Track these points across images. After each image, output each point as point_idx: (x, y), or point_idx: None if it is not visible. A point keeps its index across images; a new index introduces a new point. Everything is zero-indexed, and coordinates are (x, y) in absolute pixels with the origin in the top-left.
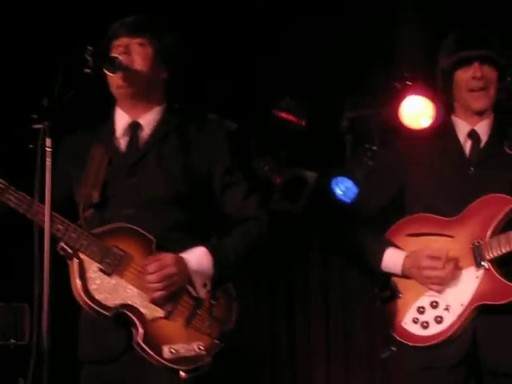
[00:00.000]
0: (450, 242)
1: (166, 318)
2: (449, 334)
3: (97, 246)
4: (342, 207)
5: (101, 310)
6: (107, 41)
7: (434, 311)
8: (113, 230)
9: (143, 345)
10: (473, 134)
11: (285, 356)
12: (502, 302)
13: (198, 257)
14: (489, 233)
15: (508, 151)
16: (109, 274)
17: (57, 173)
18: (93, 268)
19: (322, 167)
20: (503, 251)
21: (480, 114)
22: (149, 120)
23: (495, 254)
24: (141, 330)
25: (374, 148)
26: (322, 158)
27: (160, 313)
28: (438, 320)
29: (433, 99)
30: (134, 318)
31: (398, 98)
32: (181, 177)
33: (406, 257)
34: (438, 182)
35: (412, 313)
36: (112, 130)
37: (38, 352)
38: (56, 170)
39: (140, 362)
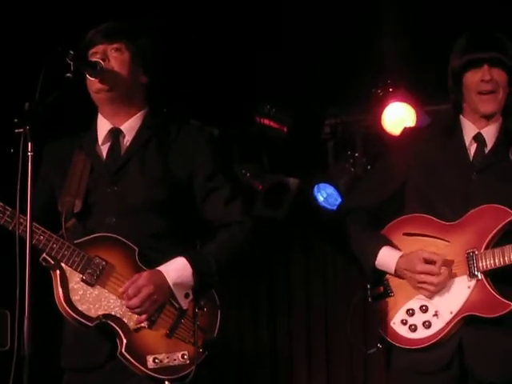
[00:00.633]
0: (446, 247)
1: (150, 327)
2: (435, 339)
3: (79, 256)
4: (326, 212)
5: (83, 321)
6: (84, 48)
7: (423, 315)
8: (95, 239)
9: (127, 355)
10: (478, 138)
11: (267, 361)
12: (491, 316)
13: (177, 269)
14: (485, 244)
15: (511, 158)
16: (91, 285)
17: (39, 182)
18: (75, 279)
19: (303, 174)
20: (497, 264)
21: (488, 117)
22: (130, 126)
23: (489, 266)
24: (124, 340)
25: (357, 155)
26: (304, 164)
27: (143, 322)
28: (426, 325)
29: (415, 106)
30: (117, 328)
31: (380, 104)
32: (163, 184)
33: (401, 257)
34: (439, 182)
35: (401, 314)
36: (94, 137)
37: (19, 358)
38: (38, 179)
39: (123, 371)
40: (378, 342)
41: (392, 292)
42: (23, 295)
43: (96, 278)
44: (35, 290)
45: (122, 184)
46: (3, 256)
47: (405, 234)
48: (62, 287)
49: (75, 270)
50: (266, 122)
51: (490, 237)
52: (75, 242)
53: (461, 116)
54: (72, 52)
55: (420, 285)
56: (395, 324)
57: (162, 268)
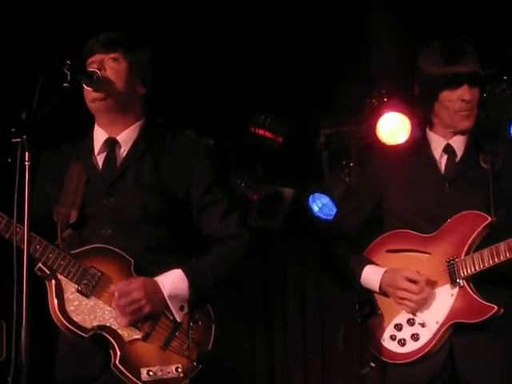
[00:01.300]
0: (427, 259)
1: (144, 339)
2: (425, 351)
3: (74, 266)
4: (321, 225)
5: (78, 332)
6: (82, 58)
7: (410, 328)
8: (90, 250)
9: (121, 367)
10: (448, 149)
11: (263, 373)
12: (476, 321)
13: (173, 280)
14: (464, 250)
15: (484, 166)
16: (87, 296)
17: (35, 192)
18: (70, 289)
19: (299, 184)
20: (477, 269)
21: (463, 133)
22: (126, 137)
23: (469, 272)
24: (118, 352)
25: (351, 164)
26: (299, 174)
27: (138, 334)
28: (415, 337)
29: (410, 115)
30: (111, 339)
31: (375, 114)
32: (159, 196)
33: (385, 273)
34: (414, 198)
35: (390, 330)
36: (90, 148)
37: (16, 368)
38: (34, 189)
39: (118, 383)
40: (370, 360)
41: (379, 310)
42: (20, 305)
43: (91, 288)
44: (31, 300)
45: (118, 196)
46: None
47: (388, 251)
48: (57, 297)
49: (71, 280)
50: (261, 132)
51: (469, 243)
52: (71, 252)
53: (428, 130)
54: (69, 62)
55: (401, 301)
56: (385, 341)
57: (158, 278)
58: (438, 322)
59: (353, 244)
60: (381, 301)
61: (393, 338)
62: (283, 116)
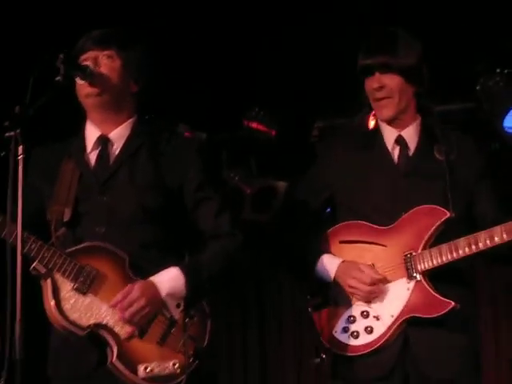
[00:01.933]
0: (383, 251)
1: (140, 336)
2: (378, 344)
3: (70, 264)
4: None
5: (74, 330)
6: (75, 54)
7: (364, 321)
8: (86, 248)
9: (118, 364)
10: (400, 141)
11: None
12: (433, 316)
13: (170, 279)
14: (421, 244)
15: (438, 157)
16: (83, 293)
17: (27, 190)
18: (67, 287)
19: (292, 177)
20: (435, 264)
21: (389, 122)
22: (119, 134)
23: (427, 267)
24: (115, 349)
25: None
26: (293, 167)
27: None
28: (368, 330)
29: None
30: (108, 337)
31: (368, 107)
32: (152, 194)
33: (342, 262)
34: (367, 191)
35: (343, 321)
36: (82, 145)
37: (11, 363)
38: (27, 187)
39: (112, 380)
40: (321, 352)
41: (332, 301)
42: (14, 300)
43: (88, 286)
44: (25, 295)
45: (112, 193)
46: None
47: (341, 242)
48: (53, 296)
49: (67, 278)
50: (254, 125)
51: (426, 237)
52: (66, 251)
53: (379, 120)
54: (62, 56)
55: (351, 289)
56: (337, 332)
57: (154, 279)
58: (392, 316)
59: (302, 233)
60: (333, 292)
61: (345, 329)
62: (276, 109)
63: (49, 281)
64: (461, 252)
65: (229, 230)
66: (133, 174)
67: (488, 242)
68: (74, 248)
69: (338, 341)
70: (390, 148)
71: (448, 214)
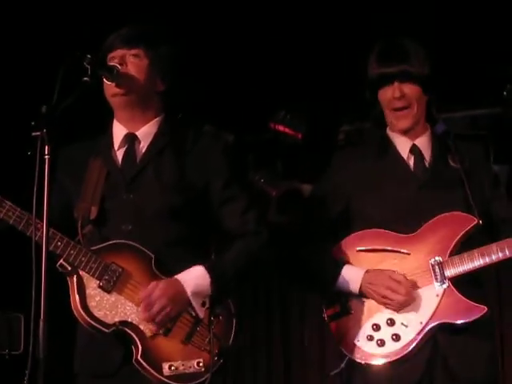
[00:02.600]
0: (406, 259)
1: (165, 334)
2: (406, 351)
3: (96, 262)
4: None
5: (100, 327)
6: (102, 53)
7: (390, 329)
8: (111, 246)
9: (143, 362)
10: (415, 150)
11: (280, 367)
12: (465, 321)
13: (195, 278)
14: (449, 251)
15: (453, 165)
16: (108, 291)
17: (55, 188)
18: (92, 285)
19: (317, 180)
20: (466, 269)
21: (405, 132)
22: (146, 132)
23: (457, 272)
24: (140, 347)
25: None
26: (319, 171)
27: (159, 330)
28: (395, 338)
29: None
30: (133, 335)
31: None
32: (179, 192)
33: (367, 272)
34: (384, 200)
35: (366, 330)
36: (109, 143)
37: (34, 361)
38: (54, 185)
39: (137, 378)
40: (340, 362)
41: (351, 310)
42: (39, 298)
43: (113, 284)
44: (49, 293)
45: (138, 191)
46: (17, 262)
47: (359, 251)
48: (79, 293)
49: (92, 276)
50: (281, 128)
51: (454, 243)
52: (92, 248)
53: (388, 131)
54: (89, 56)
55: (384, 299)
56: (359, 341)
57: (180, 277)
58: (421, 323)
59: (319, 245)
60: (352, 301)
61: (369, 338)
62: (303, 112)
63: (75, 278)
64: (494, 257)
65: (255, 228)
66: (159, 172)
67: None
68: (99, 246)
69: (361, 350)
70: (405, 157)
71: (476, 221)
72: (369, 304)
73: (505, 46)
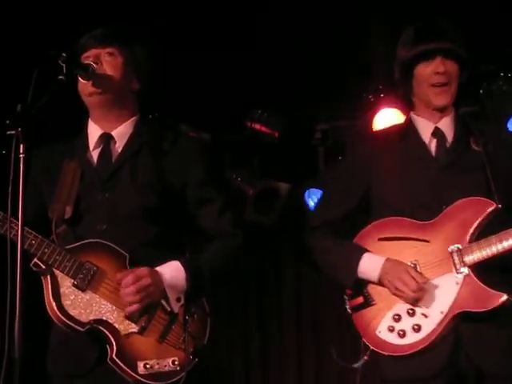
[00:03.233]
0: (426, 247)
1: (140, 333)
2: (428, 342)
3: (70, 261)
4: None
5: (74, 326)
6: (76, 53)
7: (410, 319)
8: (86, 245)
9: (118, 360)
10: (437, 133)
11: (258, 369)
12: (485, 310)
13: (172, 271)
14: (468, 237)
15: (475, 148)
16: (83, 290)
17: (29, 188)
18: (66, 283)
19: (294, 179)
20: (484, 256)
21: (441, 110)
22: (121, 132)
23: (476, 259)
24: (115, 346)
25: None
26: (295, 169)
27: (134, 328)
28: (416, 328)
29: (406, 111)
30: (108, 333)
31: (371, 110)
32: (154, 192)
33: (386, 260)
34: (405, 185)
35: (387, 321)
36: (85, 143)
37: (9, 361)
38: (28, 185)
39: (112, 376)
40: (363, 353)
41: (373, 301)
42: (14, 298)
43: (87, 282)
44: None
45: (113, 191)
46: None
47: (380, 240)
48: (53, 292)
49: (67, 274)
50: (258, 127)
51: (472, 229)
52: (66, 247)
53: (411, 114)
54: (64, 54)
55: (396, 291)
56: (381, 332)
57: (158, 268)
58: (442, 312)
59: (338, 234)
60: (374, 291)
61: (391, 329)
62: (280, 111)
63: (49, 277)
64: None
65: (231, 230)
66: (135, 172)
67: None
68: (74, 245)
69: (382, 341)
70: (426, 141)
71: (494, 205)
72: (389, 294)
73: (479, 46)
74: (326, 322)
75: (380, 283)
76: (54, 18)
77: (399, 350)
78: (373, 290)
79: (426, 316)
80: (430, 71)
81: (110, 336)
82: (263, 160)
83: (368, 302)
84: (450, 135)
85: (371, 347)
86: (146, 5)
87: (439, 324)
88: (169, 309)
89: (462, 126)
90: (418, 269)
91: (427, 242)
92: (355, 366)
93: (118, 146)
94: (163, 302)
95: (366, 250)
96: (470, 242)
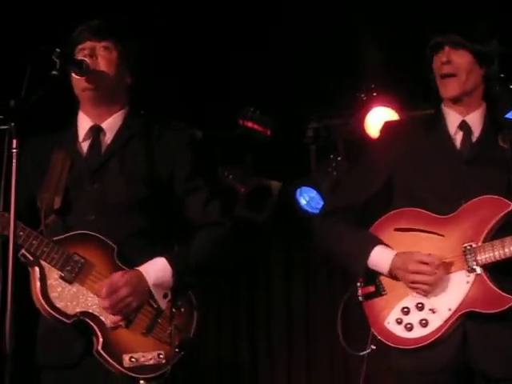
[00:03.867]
0: (441, 241)
1: (126, 326)
2: (433, 338)
3: (58, 253)
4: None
5: (61, 318)
6: (71, 44)
7: (419, 313)
8: (74, 236)
9: (103, 353)
10: (464, 126)
11: (246, 363)
12: (492, 312)
13: (157, 269)
14: (482, 236)
15: (502, 145)
16: (70, 282)
17: (19, 179)
18: (54, 275)
19: (286, 177)
20: (497, 257)
21: (453, 101)
22: (111, 124)
23: (488, 260)
24: (101, 339)
25: (339, 159)
26: (287, 167)
27: (120, 321)
28: (423, 323)
29: (398, 110)
30: (94, 325)
31: (363, 108)
32: (143, 183)
33: (396, 255)
34: (427, 176)
35: (396, 313)
36: (74, 134)
37: (0, 355)
38: (18, 176)
39: (100, 369)
40: (370, 342)
41: (384, 291)
42: (5, 292)
43: (75, 275)
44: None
45: (102, 182)
46: None
47: (396, 230)
48: (41, 284)
49: (54, 266)
50: (250, 124)
51: (488, 229)
52: (54, 238)
53: (442, 106)
54: (58, 50)
55: (412, 285)
56: (389, 324)
57: (142, 268)
58: (450, 309)
59: (355, 223)
60: (386, 281)
61: (399, 321)
62: (272, 109)
63: (36, 268)
64: None
65: (218, 219)
66: (124, 163)
67: None
68: (62, 236)
69: (390, 332)
70: (452, 133)
71: (511, 207)
72: (401, 286)
73: None
74: (316, 320)
75: (391, 276)
76: (47, 13)
77: (405, 343)
78: (385, 280)
79: (433, 311)
80: (439, 62)
81: (96, 328)
82: (255, 158)
83: (379, 292)
84: (477, 130)
85: (379, 337)
86: (141, 1)
87: (446, 321)
88: (155, 306)
89: (492, 122)
90: None
91: (442, 236)
92: (362, 354)
93: (108, 138)
94: (150, 300)
95: (379, 242)
96: (485, 241)
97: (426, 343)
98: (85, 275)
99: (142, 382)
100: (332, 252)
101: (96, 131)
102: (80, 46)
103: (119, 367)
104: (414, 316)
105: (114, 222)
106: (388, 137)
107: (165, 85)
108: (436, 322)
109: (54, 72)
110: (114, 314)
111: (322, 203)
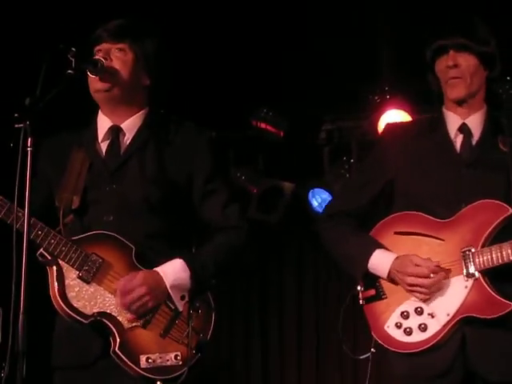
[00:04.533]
0: (440, 246)
1: (144, 327)
2: (432, 343)
3: (76, 252)
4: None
5: (78, 318)
6: (89, 45)
7: (418, 318)
8: (92, 236)
9: (120, 353)
10: (464, 129)
11: (258, 365)
12: (490, 317)
13: (175, 271)
14: (481, 241)
15: (502, 148)
16: (87, 282)
17: (37, 178)
18: (71, 275)
19: (299, 178)
20: (495, 263)
21: (459, 103)
22: (130, 125)
23: (486, 265)
24: (118, 339)
25: (352, 161)
26: (300, 169)
27: (137, 322)
28: (422, 328)
29: (411, 113)
30: (111, 326)
31: (377, 111)
32: (161, 184)
33: (396, 259)
34: (427, 179)
35: (396, 317)
36: (94, 134)
37: (13, 354)
38: (36, 175)
39: (115, 370)
40: (370, 346)
41: (385, 294)
42: (18, 291)
43: (92, 275)
44: (30, 286)
45: (121, 183)
46: None
47: (396, 233)
48: (58, 283)
49: (72, 266)
50: (263, 125)
51: (486, 234)
52: (73, 238)
53: (443, 108)
54: (74, 49)
55: (411, 288)
56: (389, 327)
57: (160, 269)
58: (448, 314)
59: (357, 226)
60: (386, 285)
61: (398, 325)
62: (285, 110)
63: (54, 268)
64: None
65: (236, 222)
66: (142, 164)
67: None
68: (80, 236)
69: (389, 336)
70: (452, 136)
71: (510, 212)
72: (401, 290)
73: None
74: (327, 320)
75: (390, 280)
76: (63, 12)
77: (404, 347)
78: (385, 283)
79: (432, 316)
80: (443, 66)
81: (114, 329)
82: (268, 159)
83: (380, 296)
84: (477, 132)
85: (378, 341)
86: (153, 2)
87: (444, 326)
88: (173, 307)
89: (492, 125)
90: None
91: (442, 240)
92: (362, 357)
93: (127, 139)
94: (167, 301)
95: (378, 246)
96: (483, 246)
97: (424, 348)
98: (103, 275)
99: (158, 383)
100: (333, 254)
101: (115, 131)
102: (97, 48)
103: (136, 368)
104: (413, 320)
105: (132, 223)
106: (389, 140)
107: (178, 85)
108: (435, 327)
109: (70, 71)
110: (130, 314)
111: None
